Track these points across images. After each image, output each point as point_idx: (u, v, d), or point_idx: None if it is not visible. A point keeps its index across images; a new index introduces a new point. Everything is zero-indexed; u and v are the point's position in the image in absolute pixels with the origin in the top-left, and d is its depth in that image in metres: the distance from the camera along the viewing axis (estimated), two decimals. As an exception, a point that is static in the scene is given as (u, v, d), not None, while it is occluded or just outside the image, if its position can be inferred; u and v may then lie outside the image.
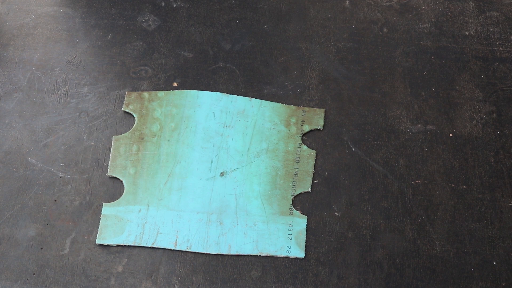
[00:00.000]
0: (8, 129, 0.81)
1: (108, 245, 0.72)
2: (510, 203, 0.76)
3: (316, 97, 0.84)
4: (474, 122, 0.82)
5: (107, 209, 0.74)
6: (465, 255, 0.72)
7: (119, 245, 0.72)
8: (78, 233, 0.73)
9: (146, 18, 0.91)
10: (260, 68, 0.87)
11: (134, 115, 0.81)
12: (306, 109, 0.82)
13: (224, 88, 0.84)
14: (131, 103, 0.82)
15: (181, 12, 0.92)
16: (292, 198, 0.75)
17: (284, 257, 0.72)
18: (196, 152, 0.78)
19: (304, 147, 0.79)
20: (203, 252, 0.72)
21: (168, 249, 0.72)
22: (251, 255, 0.72)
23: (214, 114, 0.81)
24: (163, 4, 0.93)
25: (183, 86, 0.84)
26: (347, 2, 0.94)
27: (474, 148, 0.79)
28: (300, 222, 0.74)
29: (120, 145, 0.79)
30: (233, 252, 0.72)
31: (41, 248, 0.72)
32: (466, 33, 0.90)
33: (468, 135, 0.81)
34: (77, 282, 0.70)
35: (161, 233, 0.73)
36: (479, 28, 0.91)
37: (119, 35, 0.90)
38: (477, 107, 0.83)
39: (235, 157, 0.78)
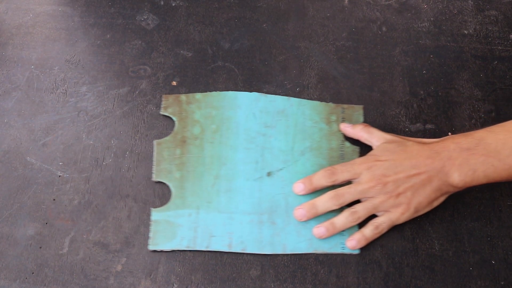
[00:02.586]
0: (7, 128, 0.81)
1: (161, 250, 0.71)
2: (509, 202, 0.76)
3: (315, 96, 0.84)
4: (473, 121, 0.82)
5: (157, 214, 0.73)
6: (464, 254, 0.72)
7: (172, 250, 0.71)
8: (77, 232, 0.73)
9: (145, 17, 0.91)
10: (259, 67, 0.87)
11: (173, 118, 0.80)
12: (345, 106, 0.82)
13: (223, 87, 0.84)
14: (169, 106, 0.81)
15: (180, 11, 0.92)
16: None
17: (328, 253, 0.72)
18: (240, 153, 0.78)
19: (347, 143, 0.79)
20: (259, 253, 0.71)
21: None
22: (249, 254, 0.72)
23: (254, 115, 0.81)
24: (162, 3, 0.93)
25: (182, 85, 0.84)
26: (346, 1, 0.94)
27: (473, 147, 0.79)
28: None
29: (163, 149, 0.78)
30: (288, 251, 0.71)
31: (40, 247, 0.72)
32: (465, 32, 0.90)
33: (467, 134, 0.80)
34: (76, 281, 0.70)
35: (214, 236, 0.72)
36: (478, 27, 0.91)
37: (118, 34, 0.89)
38: (476, 106, 0.83)
39: (279, 156, 0.77)
